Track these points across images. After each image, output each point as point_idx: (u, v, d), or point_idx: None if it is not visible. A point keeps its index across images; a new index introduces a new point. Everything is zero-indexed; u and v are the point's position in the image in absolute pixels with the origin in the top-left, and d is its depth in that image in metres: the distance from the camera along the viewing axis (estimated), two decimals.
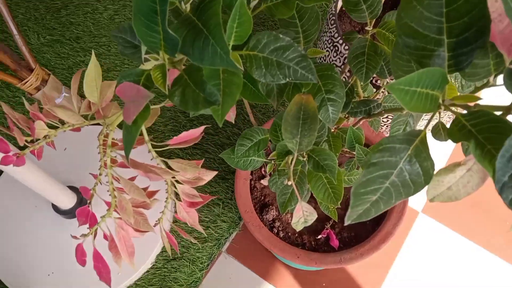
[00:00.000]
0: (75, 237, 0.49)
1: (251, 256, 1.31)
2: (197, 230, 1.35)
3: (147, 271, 1.30)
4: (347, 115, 0.67)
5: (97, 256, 0.49)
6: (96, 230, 0.49)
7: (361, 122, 0.71)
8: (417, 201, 1.38)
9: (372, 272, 1.29)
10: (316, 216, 0.55)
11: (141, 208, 0.48)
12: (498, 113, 0.36)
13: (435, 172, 0.37)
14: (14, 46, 1.57)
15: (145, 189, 0.49)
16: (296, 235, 1.07)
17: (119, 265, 0.47)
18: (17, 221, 1.30)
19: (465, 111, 0.36)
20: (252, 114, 0.72)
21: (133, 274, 1.26)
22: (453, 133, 0.34)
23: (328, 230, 1.04)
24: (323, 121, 0.54)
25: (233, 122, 0.44)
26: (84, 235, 0.49)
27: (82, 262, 0.50)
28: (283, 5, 0.45)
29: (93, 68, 0.43)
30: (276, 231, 1.06)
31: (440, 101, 0.36)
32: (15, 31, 1.28)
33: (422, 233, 1.35)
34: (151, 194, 0.49)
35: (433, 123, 0.59)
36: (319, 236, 1.06)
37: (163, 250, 1.33)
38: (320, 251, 1.03)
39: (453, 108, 0.37)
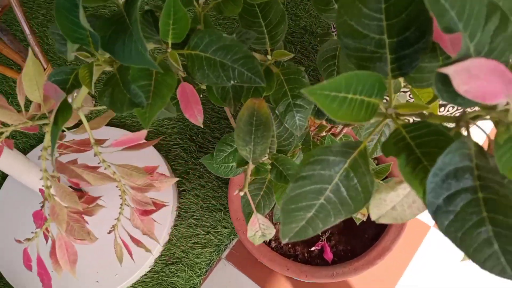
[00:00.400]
0: (18, 241, 0.47)
1: (251, 264, 1.28)
2: (197, 235, 1.33)
3: (145, 275, 1.28)
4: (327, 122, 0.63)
5: (40, 263, 0.47)
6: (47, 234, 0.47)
7: (345, 130, 0.66)
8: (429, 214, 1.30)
9: (377, 287, 1.23)
10: (274, 231, 0.51)
11: (85, 214, 0.45)
12: (451, 125, 0.31)
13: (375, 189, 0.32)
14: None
15: (91, 197, 0.47)
16: (289, 246, 1.03)
17: (58, 273, 0.45)
18: (21, 220, 1.32)
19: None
20: (232, 118, 0.69)
21: (131, 276, 1.25)
22: (388, 146, 0.30)
23: (322, 242, 0.99)
24: (290, 128, 0.50)
25: (202, 126, 0.41)
26: (27, 239, 0.47)
27: (28, 267, 0.49)
28: (232, 2, 0.42)
29: (31, 66, 0.41)
30: (267, 240, 1.02)
31: (383, 109, 0.32)
32: (27, 31, 1.30)
33: (433, 249, 1.27)
34: (91, 199, 0.47)
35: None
36: (313, 248, 1.01)
37: (162, 253, 1.31)
38: (313, 264, 0.98)
39: (402, 118, 0.33)
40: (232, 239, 1.32)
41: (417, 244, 1.28)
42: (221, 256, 1.30)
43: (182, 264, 1.29)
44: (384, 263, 0.96)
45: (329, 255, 1.00)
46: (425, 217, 1.30)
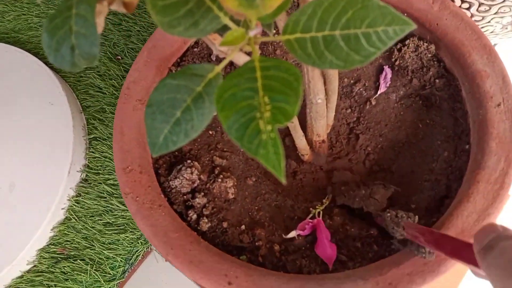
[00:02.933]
0: None
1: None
2: (111, 211, 0.79)
3: (20, 277, 0.76)
4: None
5: None
6: None
7: None
8: None
9: None
10: None
11: None
12: None
13: None
14: None
15: None
16: (243, 227, 0.48)
17: None
18: None
19: None
20: None
21: None
22: None
23: (314, 221, 0.44)
24: None
25: None
26: None
27: None
28: None
29: None
30: (193, 218, 0.47)
31: None
32: None
33: None
34: None
35: None
36: (293, 234, 0.46)
37: (52, 241, 0.78)
38: (291, 268, 0.44)
39: None
40: None
41: None
42: (151, 246, 0.76)
43: (84, 260, 0.76)
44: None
45: (327, 251, 0.44)
46: None
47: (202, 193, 0.49)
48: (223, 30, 0.27)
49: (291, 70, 0.23)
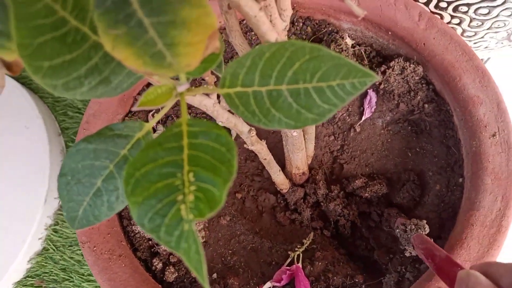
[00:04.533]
0: None
1: None
2: None
3: None
4: None
5: None
6: None
7: None
8: None
9: None
10: None
11: None
12: None
13: None
14: None
15: None
16: (214, 275, 0.43)
17: None
18: None
19: None
20: None
21: None
22: None
23: (292, 268, 0.39)
24: None
25: None
26: None
27: None
28: None
29: None
30: (159, 265, 0.43)
31: None
32: None
33: None
34: None
35: None
36: (268, 286, 0.41)
37: (28, 274, 0.74)
38: None
39: None
40: None
41: None
42: None
43: None
44: None
45: None
46: None
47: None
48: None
49: (224, 138, 0.18)
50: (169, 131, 0.19)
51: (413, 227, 0.40)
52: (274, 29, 0.28)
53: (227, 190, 0.17)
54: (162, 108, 0.23)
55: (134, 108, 0.20)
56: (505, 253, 0.39)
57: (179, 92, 0.21)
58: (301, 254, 0.44)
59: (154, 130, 0.52)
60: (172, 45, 0.16)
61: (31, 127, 0.82)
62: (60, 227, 0.76)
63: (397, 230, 0.41)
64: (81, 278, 0.73)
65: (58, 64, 0.17)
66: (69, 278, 0.74)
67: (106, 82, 0.19)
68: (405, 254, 0.41)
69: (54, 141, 0.82)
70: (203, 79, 0.51)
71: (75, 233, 0.75)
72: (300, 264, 0.43)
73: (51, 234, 0.76)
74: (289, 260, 0.44)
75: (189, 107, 0.54)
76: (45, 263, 0.75)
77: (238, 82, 0.20)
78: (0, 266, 0.72)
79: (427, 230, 0.40)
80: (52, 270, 0.75)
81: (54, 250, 0.75)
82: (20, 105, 0.84)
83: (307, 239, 0.45)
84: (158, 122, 0.54)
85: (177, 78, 0.23)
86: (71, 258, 0.74)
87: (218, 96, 0.33)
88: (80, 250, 0.74)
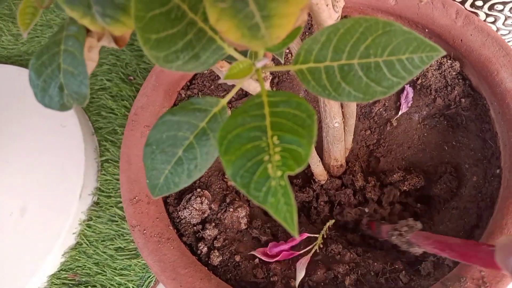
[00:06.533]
0: None
1: None
2: (123, 235, 0.77)
3: None
4: None
5: None
6: None
7: None
8: None
9: None
10: None
11: None
12: None
13: None
14: None
15: None
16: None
17: None
18: None
19: None
20: None
21: None
22: None
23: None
24: None
25: None
26: None
27: None
28: None
29: None
30: (204, 249, 0.45)
31: None
32: None
33: None
34: None
35: None
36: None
37: (63, 266, 0.76)
38: None
39: None
40: None
41: None
42: None
43: (96, 286, 0.74)
44: None
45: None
46: None
47: (213, 224, 0.46)
48: (230, 57, 0.25)
49: (303, 106, 0.20)
50: (251, 100, 0.21)
51: (407, 228, 0.40)
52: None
53: (311, 148, 0.19)
54: (234, 86, 0.25)
55: (221, 81, 0.22)
56: None
57: (257, 68, 0.23)
58: (321, 238, 0.45)
59: None
60: (268, 16, 0.18)
61: (67, 126, 0.86)
62: (93, 222, 0.78)
63: (393, 238, 0.41)
64: (114, 272, 0.76)
65: (162, 37, 0.19)
66: (102, 272, 0.76)
67: (196, 57, 0.21)
68: (413, 254, 0.41)
69: (89, 140, 0.85)
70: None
71: (108, 228, 0.78)
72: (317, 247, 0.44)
73: (85, 229, 0.78)
74: (314, 246, 0.45)
75: (229, 102, 0.56)
76: (79, 257, 0.78)
77: (312, 58, 0.22)
78: (36, 259, 0.75)
79: (420, 226, 0.40)
80: (85, 264, 0.77)
81: (87, 244, 0.78)
82: None
83: (326, 225, 0.46)
84: None
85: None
86: (104, 252, 0.77)
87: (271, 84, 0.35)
88: (112, 245, 0.77)
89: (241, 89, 0.56)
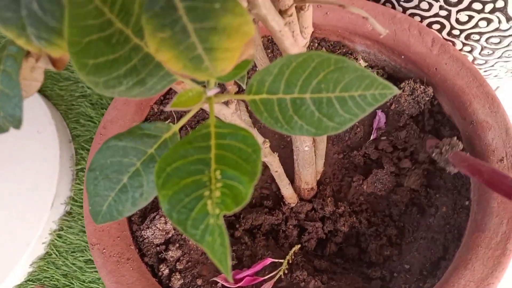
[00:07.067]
0: None
1: None
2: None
3: None
4: None
5: None
6: None
7: None
8: None
9: None
10: None
11: None
12: None
13: None
14: None
15: None
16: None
17: None
18: None
19: None
20: None
21: None
22: None
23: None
24: None
25: None
26: None
27: None
28: None
29: None
30: (166, 271, 0.43)
31: None
32: None
33: None
34: None
35: None
36: None
37: (31, 277, 0.74)
38: None
39: None
40: None
41: None
42: None
43: None
44: None
45: None
46: None
47: (177, 245, 0.45)
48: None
49: (250, 140, 0.20)
50: (198, 131, 0.20)
51: (448, 147, 0.41)
52: (296, 45, 0.30)
53: (252, 187, 0.18)
54: (187, 112, 0.24)
55: (167, 109, 0.21)
56: (510, 275, 0.39)
57: (208, 97, 0.22)
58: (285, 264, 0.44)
59: None
60: (211, 49, 0.17)
61: (43, 132, 0.84)
62: (64, 232, 0.77)
63: (433, 154, 0.42)
64: (82, 284, 0.74)
65: (101, 62, 0.18)
66: (70, 284, 0.74)
67: (142, 83, 0.20)
68: (448, 172, 0.42)
69: (65, 147, 0.83)
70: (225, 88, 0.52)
71: (78, 240, 0.76)
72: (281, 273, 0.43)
73: (55, 239, 0.76)
74: (278, 272, 0.44)
75: (191, 119, 0.55)
76: (47, 267, 0.76)
77: (264, 89, 0.22)
78: (3, 268, 0.73)
79: (461, 146, 0.41)
80: (53, 275, 0.75)
81: (57, 255, 0.76)
82: (34, 111, 0.86)
83: (292, 250, 0.46)
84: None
85: (204, 86, 0.24)
86: (73, 264, 0.75)
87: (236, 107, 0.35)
88: (82, 257, 0.75)
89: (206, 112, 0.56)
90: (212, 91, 0.22)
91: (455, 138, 0.42)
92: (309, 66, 0.20)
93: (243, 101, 0.55)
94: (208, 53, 0.17)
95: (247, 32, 0.17)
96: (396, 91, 0.20)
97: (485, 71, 0.59)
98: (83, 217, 0.77)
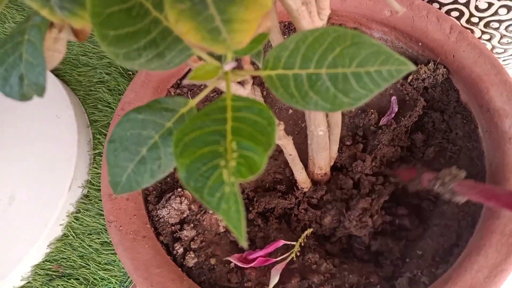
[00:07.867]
0: None
1: None
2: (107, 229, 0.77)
3: None
4: None
5: None
6: None
7: None
8: None
9: None
10: None
11: None
12: None
13: None
14: None
15: None
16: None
17: None
18: None
19: None
20: None
21: None
22: None
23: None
24: None
25: None
26: None
27: None
28: None
29: None
30: (180, 249, 0.44)
31: None
32: None
33: None
34: None
35: None
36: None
37: (47, 258, 0.76)
38: None
39: None
40: None
41: None
42: None
43: (79, 279, 0.74)
44: None
45: None
46: None
47: (191, 225, 0.46)
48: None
49: (265, 113, 0.20)
50: (215, 104, 0.21)
51: (450, 177, 0.39)
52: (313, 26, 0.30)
53: (267, 157, 0.19)
54: (204, 87, 0.25)
55: (185, 82, 0.21)
56: None
57: (225, 71, 0.22)
58: (298, 245, 0.45)
59: None
60: (228, 21, 0.17)
61: (61, 117, 0.85)
62: (81, 215, 0.78)
63: (435, 187, 0.40)
64: (98, 266, 0.75)
65: (122, 34, 0.19)
66: (86, 265, 0.76)
67: (161, 56, 0.21)
68: (456, 203, 0.40)
69: (83, 132, 0.85)
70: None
71: (95, 222, 0.78)
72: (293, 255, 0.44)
73: (72, 221, 0.78)
74: (290, 254, 0.45)
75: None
76: (64, 249, 0.77)
77: (280, 65, 0.22)
78: (21, 248, 0.75)
79: (464, 174, 0.39)
80: (70, 256, 0.77)
81: (73, 237, 0.78)
82: (53, 95, 0.87)
83: (304, 233, 0.46)
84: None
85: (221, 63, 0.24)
86: (90, 246, 0.77)
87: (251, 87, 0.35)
88: (98, 239, 0.77)
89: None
90: (228, 65, 0.22)
91: (455, 167, 0.40)
92: (325, 41, 0.21)
93: (258, 85, 0.55)
94: (226, 24, 0.17)
95: (265, 3, 0.17)
96: (412, 67, 0.21)
97: (504, 60, 0.58)
98: (100, 200, 0.79)
